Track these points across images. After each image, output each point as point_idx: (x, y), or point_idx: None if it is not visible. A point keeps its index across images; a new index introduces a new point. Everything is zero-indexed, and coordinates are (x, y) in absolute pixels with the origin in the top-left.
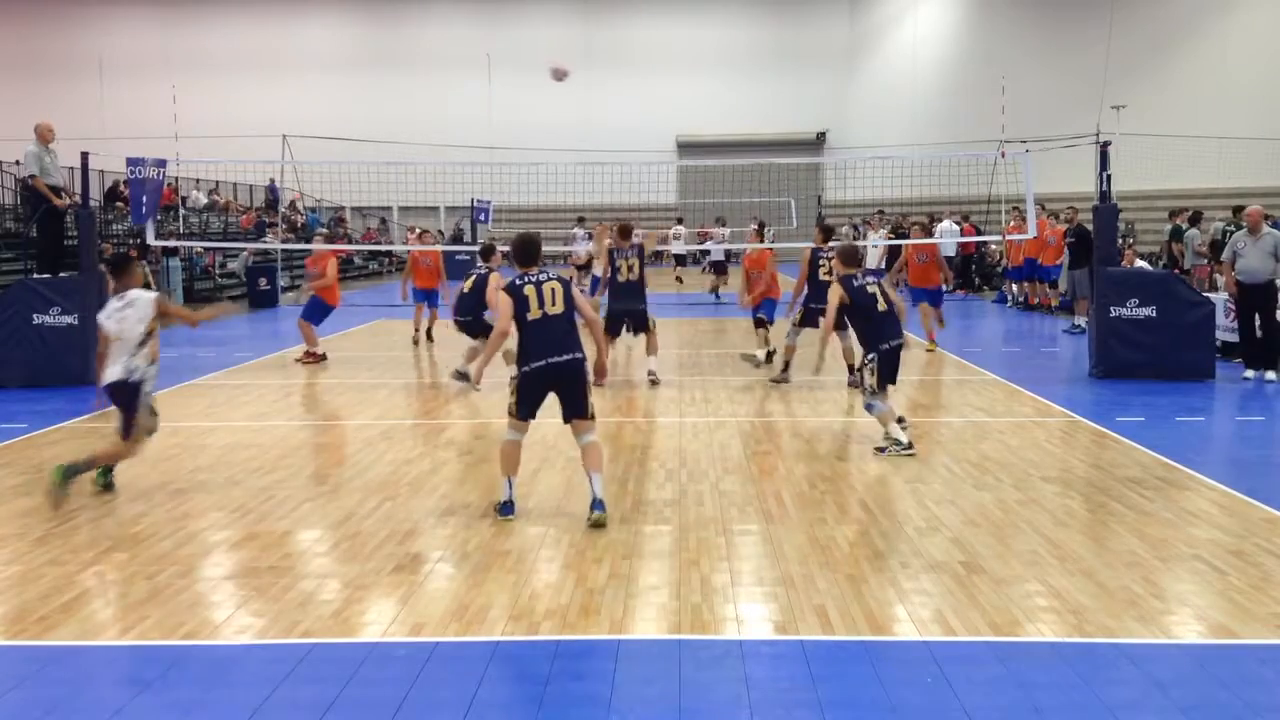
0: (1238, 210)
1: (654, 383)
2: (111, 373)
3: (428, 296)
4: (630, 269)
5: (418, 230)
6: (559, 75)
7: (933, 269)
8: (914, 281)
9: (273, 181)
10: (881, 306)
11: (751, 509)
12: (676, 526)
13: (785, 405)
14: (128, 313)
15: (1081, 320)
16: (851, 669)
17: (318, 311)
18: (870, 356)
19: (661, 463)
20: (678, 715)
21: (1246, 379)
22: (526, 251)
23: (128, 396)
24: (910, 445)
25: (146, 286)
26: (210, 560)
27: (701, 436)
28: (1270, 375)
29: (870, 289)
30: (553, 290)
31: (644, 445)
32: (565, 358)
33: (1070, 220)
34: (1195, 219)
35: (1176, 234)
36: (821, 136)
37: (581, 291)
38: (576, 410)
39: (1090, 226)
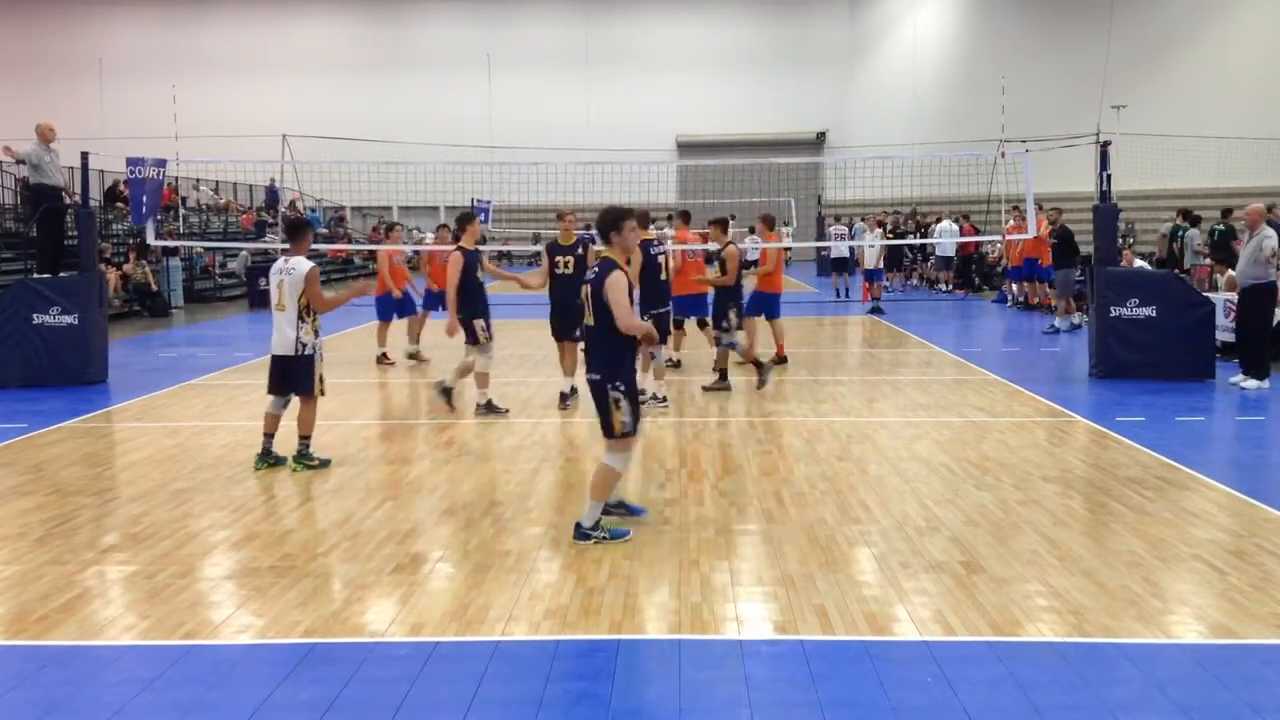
0: (1226, 213)
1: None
2: (281, 345)
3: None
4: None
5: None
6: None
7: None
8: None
9: (273, 181)
10: (664, 275)
11: (751, 509)
12: (676, 526)
13: (785, 405)
14: (285, 279)
15: (1059, 320)
16: (851, 669)
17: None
18: (646, 317)
19: (661, 463)
20: (678, 715)
21: (1232, 385)
22: (601, 227)
23: (300, 369)
24: (665, 400)
25: (149, 288)
26: (210, 560)
27: (701, 436)
28: (1248, 384)
29: (660, 258)
30: (584, 294)
31: (644, 445)
32: (592, 377)
33: (1054, 221)
34: (1193, 220)
35: (1175, 233)
36: (821, 136)
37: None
38: (601, 428)
39: (1076, 226)
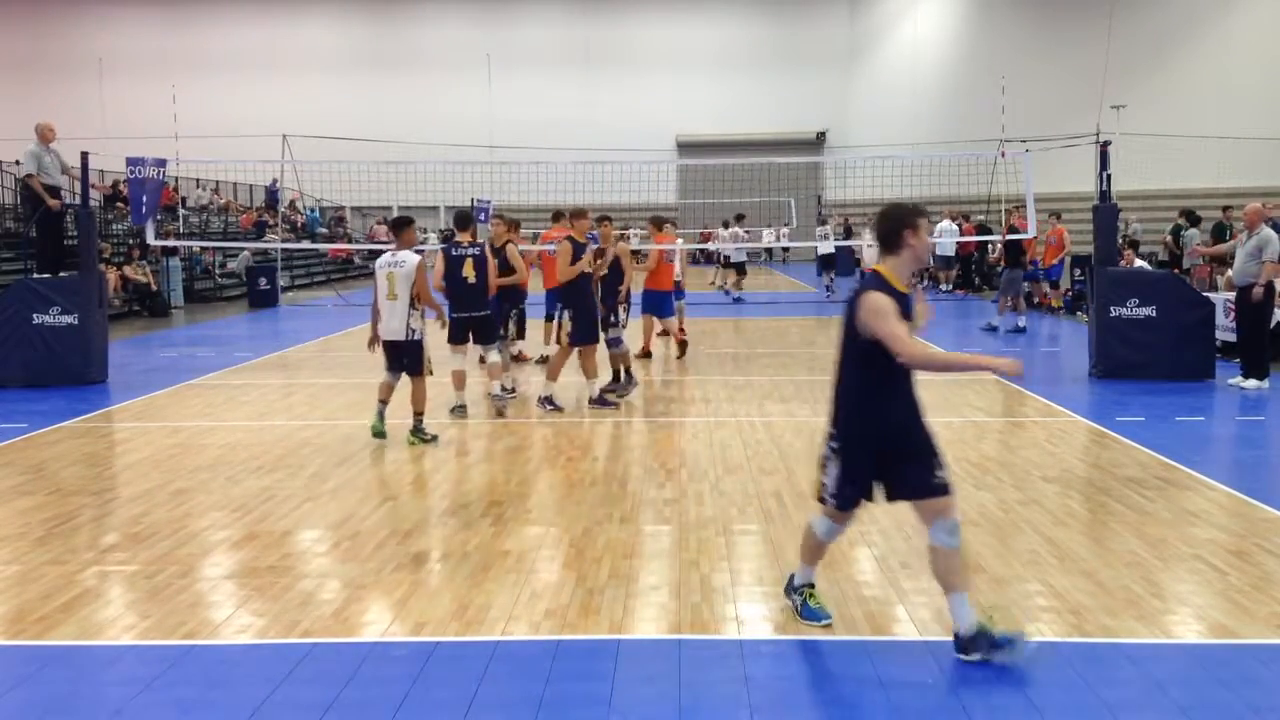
0: (1226, 209)
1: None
2: (393, 331)
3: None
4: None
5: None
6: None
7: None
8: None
9: (274, 182)
10: (471, 280)
11: (751, 509)
12: (677, 526)
13: (785, 405)
14: (396, 270)
15: (998, 320)
16: (851, 669)
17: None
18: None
19: (662, 463)
20: (678, 715)
21: (1230, 386)
22: (887, 232)
23: (412, 352)
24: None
25: (149, 288)
26: (210, 560)
27: (701, 436)
28: (1247, 384)
29: (464, 269)
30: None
31: (644, 445)
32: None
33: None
34: (1194, 220)
35: (1176, 232)
36: (821, 136)
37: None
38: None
39: (1075, 227)
